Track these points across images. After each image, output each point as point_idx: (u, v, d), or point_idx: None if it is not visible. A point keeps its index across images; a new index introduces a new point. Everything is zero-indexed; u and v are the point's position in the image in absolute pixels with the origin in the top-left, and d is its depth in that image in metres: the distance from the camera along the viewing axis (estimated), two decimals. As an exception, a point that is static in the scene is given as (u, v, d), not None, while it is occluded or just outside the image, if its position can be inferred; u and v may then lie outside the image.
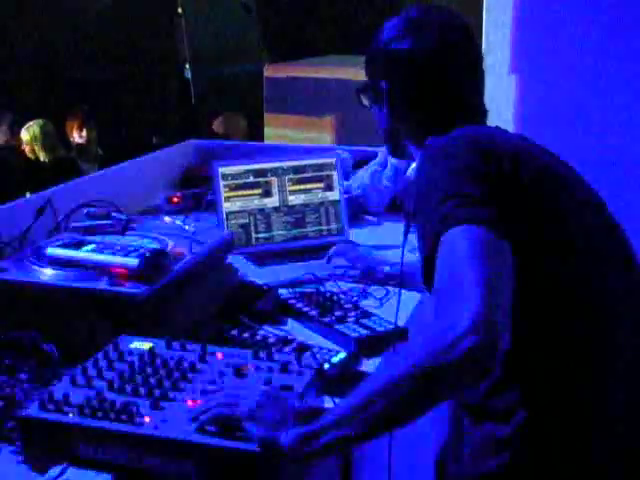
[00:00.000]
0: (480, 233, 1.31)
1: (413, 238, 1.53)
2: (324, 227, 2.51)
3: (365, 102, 1.79)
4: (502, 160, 1.45)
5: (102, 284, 1.71)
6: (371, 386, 1.26)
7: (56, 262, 1.80)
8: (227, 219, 2.40)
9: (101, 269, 1.75)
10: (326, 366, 1.62)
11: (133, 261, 1.73)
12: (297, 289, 2.09)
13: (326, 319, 1.89)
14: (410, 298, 2.04)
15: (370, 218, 2.79)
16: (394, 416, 1.24)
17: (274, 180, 2.47)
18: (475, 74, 1.70)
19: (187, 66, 7.19)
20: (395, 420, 1.26)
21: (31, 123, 5.56)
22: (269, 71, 5.12)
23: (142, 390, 1.40)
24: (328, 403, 1.48)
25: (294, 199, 2.49)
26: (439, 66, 1.64)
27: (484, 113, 1.71)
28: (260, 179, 2.46)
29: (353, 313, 1.92)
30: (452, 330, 1.21)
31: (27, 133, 5.53)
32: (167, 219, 2.63)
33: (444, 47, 1.64)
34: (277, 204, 2.46)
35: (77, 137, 5.85)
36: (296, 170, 2.50)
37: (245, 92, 6.79)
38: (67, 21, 7.02)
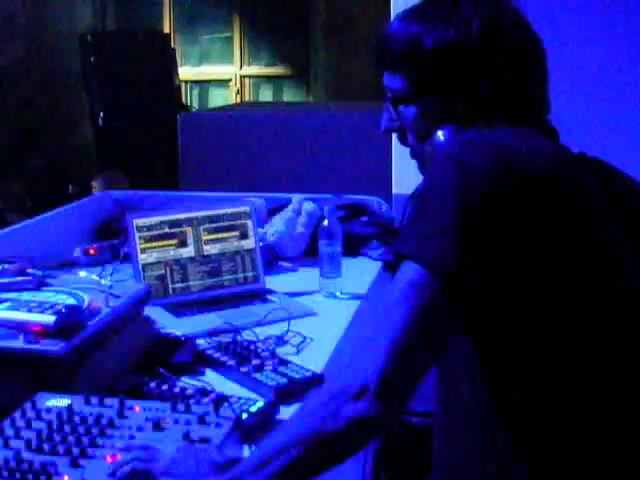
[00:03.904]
0: (430, 290, 1.21)
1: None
2: (240, 275, 2.53)
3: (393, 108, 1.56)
4: (525, 203, 1.26)
5: (18, 342, 1.70)
6: (265, 449, 1.25)
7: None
8: (143, 271, 2.41)
9: (17, 327, 1.75)
10: (245, 416, 1.64)
11: (49, 318, 1.73)
12: (214, 339, 2.11)
13: (244, 368, 1.91)
14: (328, 344, 2.09)
15: (286, 264, 2.83)
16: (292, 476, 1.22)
17: (189, 230, 2.49)
18: (525, 59, 1.47)
19: (101, 115, 7.17)
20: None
21: None
22: (183, 118, 5.14)
23: (61, 449, 1.40)
24: (247, 453, 1.50)
25: (209, 248, 2.51)
26: (485, 50, 1.43)
27: (542, 108, 1.49)
28: (175, 230, 2.48)
29: (270, 361, 1.94)
30: (341, 394, 1.19)
31: None
32: (82, 273, 2.62)
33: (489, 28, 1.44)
34: (193, 254, 2.48)
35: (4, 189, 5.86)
36: (211, 219, 2.53)
37: (161, 141, 6.80)
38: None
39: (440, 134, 1.46)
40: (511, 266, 1.26)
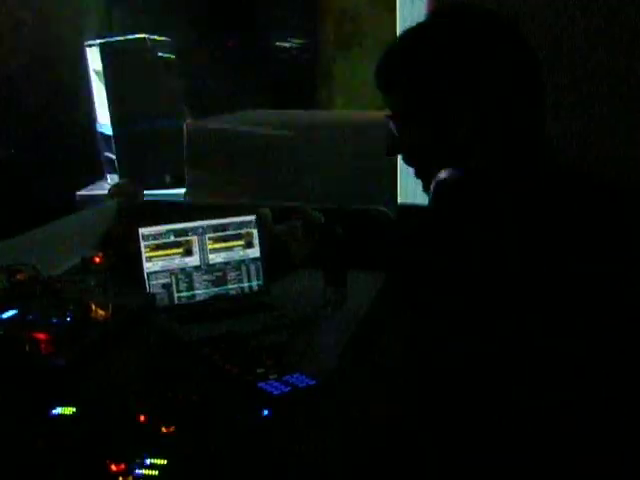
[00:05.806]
0: None
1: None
2: (245, 284, 2.55)
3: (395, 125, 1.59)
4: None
5: (23, 351, 1.72)
6: None
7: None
8: (149, 279, 2.42)
9: (22, 335, 1.76)
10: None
11: (55, 327, 1.74)
12: (219, 347, 2.12)
13: (248, 377, 1.92)
14: (332, 353, 2.09)
15: (290, 274, 2.83)
16: None
17: (195, 239, 2.51)
18: (517, 80, 1.50)
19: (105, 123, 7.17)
20: None
21: None
22: (190, 127, 5.14)
23: (65, 456, 1.42)
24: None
25: (215, 257, 2.52)
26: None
27: (538, 124, 1.52)
28: (181, 238, 2.49)
29: (275, 370, 1.95)
30: None
31: None
32: (89, 281, 2.63)
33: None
34: (198, 263, 2.50)
35: None
36: (216, 229, 2.54)
37: (167, 149, 6.80)
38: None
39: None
40: (511, 267, 1.28)
